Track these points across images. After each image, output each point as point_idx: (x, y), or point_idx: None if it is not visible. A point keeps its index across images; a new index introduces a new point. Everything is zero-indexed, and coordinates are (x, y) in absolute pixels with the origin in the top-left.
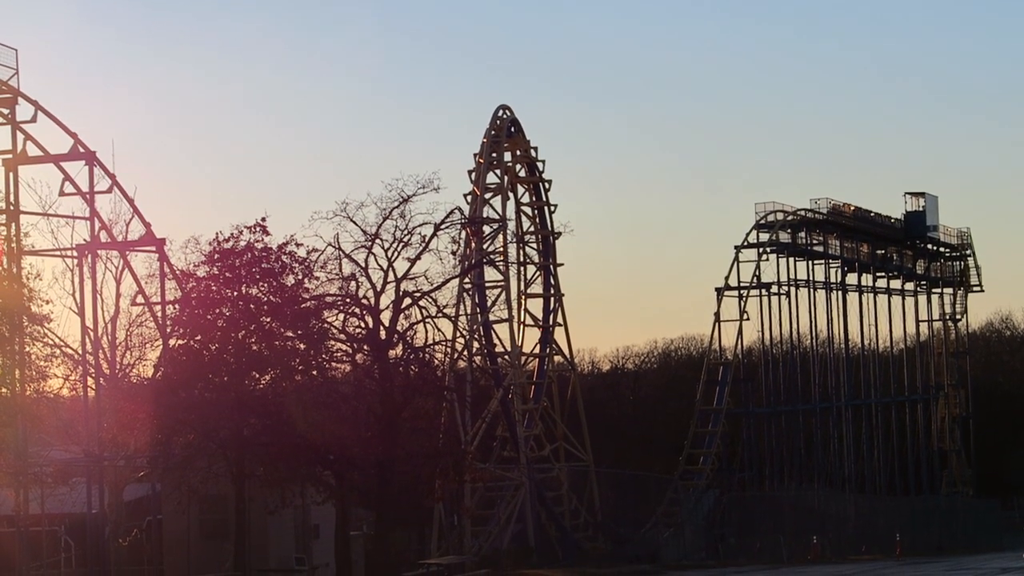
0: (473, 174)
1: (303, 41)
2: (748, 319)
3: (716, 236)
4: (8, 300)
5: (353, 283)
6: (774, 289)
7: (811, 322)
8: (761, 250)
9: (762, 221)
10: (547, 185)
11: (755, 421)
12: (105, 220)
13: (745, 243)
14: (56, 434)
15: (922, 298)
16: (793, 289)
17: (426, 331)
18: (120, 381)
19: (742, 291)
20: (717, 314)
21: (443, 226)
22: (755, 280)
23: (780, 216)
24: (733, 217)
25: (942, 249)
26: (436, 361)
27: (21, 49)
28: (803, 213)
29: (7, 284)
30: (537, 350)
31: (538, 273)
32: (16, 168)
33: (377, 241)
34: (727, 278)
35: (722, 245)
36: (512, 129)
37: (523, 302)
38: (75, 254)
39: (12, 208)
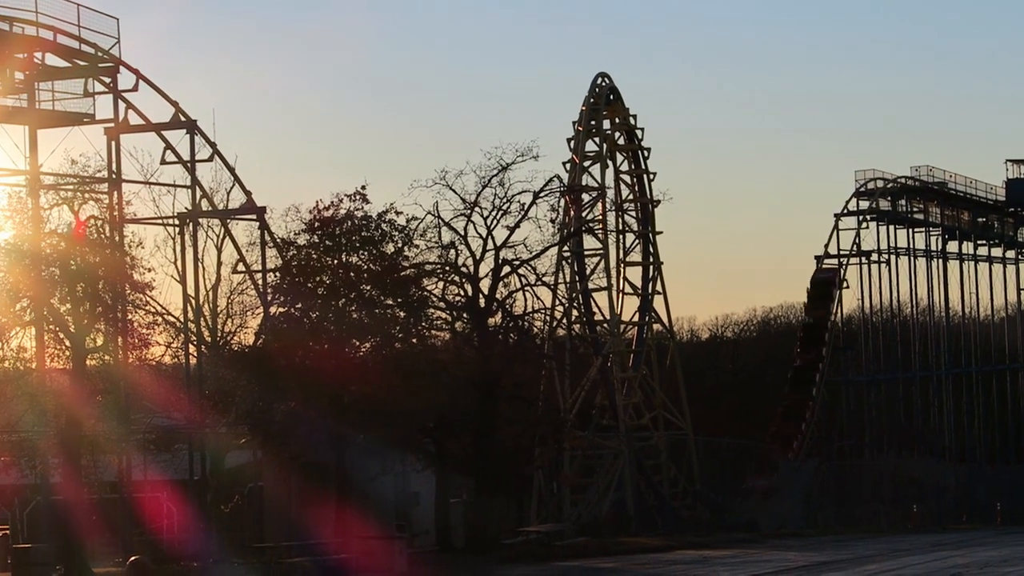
0: (572, 142)
1: (401, 8)
2: (848, 287)
3: (816, 204)
4: (111, 268)
5: (452, 251)
6: (874, 257)
7: (911, 290)
8: (861, 218)
9: (862, 189)
10: (646, 153)
11: (854, 390)
12: (206, 188)
13: (845, 211)
14: (158, 401)
15: (1023, 266)
16: (893, 257)
17: (525, 299)
18: (221, 348)
19: (842, 259)
20: None
21: (542, 194)
22: (855, 248)
23: (880, 184)
24: (833, 185)
25: None
26: (535, 329)
27: (122, 18)
28: (903, 181)
29: (110, 252)
30: (636, 318)
31: (637, 241)
32: (118, 137)
33: (476, 209)
34: (827, 246)
35: (822, 213)
36: (611, 97)
37: (622, 270)
38: (176, 222)
39: (114, 176)
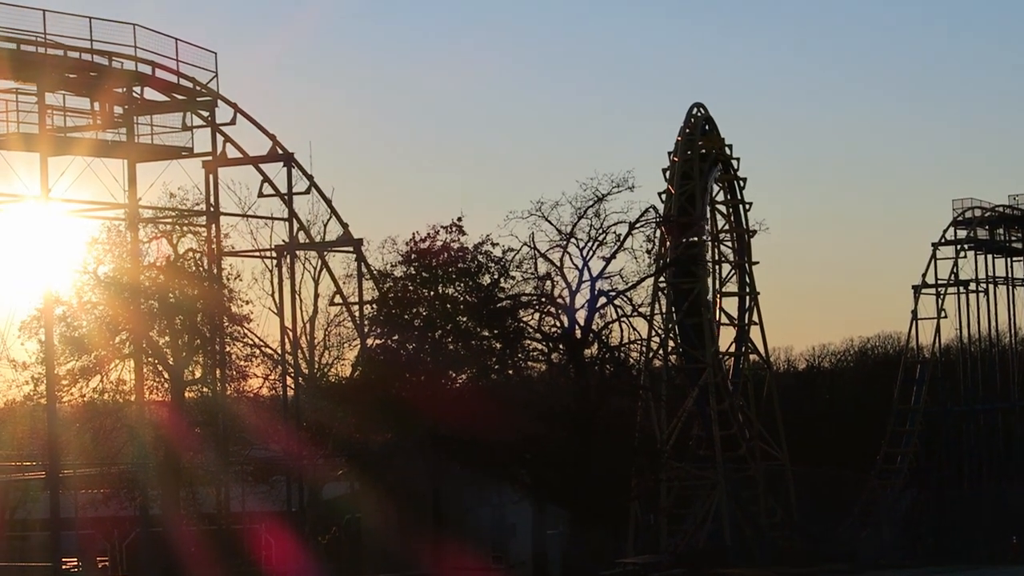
0: (667, 172)
1: (496, 41)
2: (946, 317)
3: (913, 233)
4: (209, 301)
5: (548, 282)
6: (972, 287)
7: (1010, 320)
8: (959, 247)
9: (960, 218)
10: (742, 183)
11: (953, 420)
12: (303, 221)
13: (943, 240)
14: (256, 433)
15: None
16: (991, 286)
17: (621, 330)
18: (318, 380)
19: (939, 288)
20: (914, 312)
21: (638, 225)
22: (953, 277)
23: (978, 213)
24: (930, 214)
25: None
26: (631, 360)
27: (219, 52)
28: (1001, 209)
29: (208, 285)
30: (732, 349)
31: (733, 272)
32: (216, 170)
33: (572, 240)
34: (924, 275)
35: (919, 242)
36: (706, 127)
37: (718, 301)
38: (274, 255)
39: (212, 209)
